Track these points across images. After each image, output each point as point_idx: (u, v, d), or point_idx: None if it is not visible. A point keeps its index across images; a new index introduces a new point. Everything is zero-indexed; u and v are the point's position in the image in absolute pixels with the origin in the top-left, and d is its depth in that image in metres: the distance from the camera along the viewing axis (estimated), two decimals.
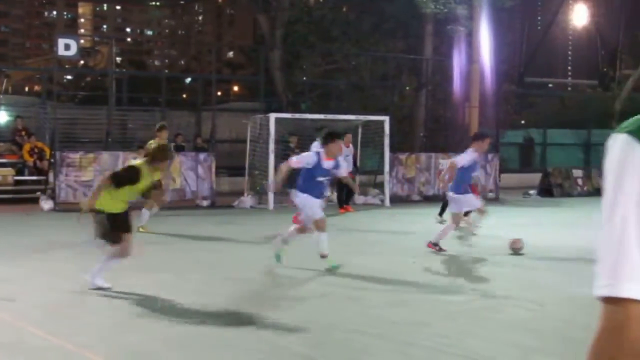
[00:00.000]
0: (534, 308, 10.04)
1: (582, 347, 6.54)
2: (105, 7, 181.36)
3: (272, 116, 24.56)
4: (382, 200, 25.75)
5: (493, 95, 33.67)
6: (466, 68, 32.02)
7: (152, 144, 17.24)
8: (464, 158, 14.87)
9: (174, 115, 31.51)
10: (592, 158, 36.06)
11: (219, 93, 47.02)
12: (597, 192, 30.97)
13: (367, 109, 31.72)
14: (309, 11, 38.84)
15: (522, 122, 45.91)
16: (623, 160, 1.81)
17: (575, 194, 29.76)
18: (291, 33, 36.68)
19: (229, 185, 27.63)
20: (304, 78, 35.73)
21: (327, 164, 12.86)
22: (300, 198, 12.85)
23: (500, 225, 18.73)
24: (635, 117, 1.85)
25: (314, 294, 10.92)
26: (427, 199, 26.87)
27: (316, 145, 18.78)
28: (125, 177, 10.86)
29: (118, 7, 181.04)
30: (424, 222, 19.82)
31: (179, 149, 24.52)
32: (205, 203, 24.42)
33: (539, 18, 44.54)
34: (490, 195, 27.93)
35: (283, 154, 25.28)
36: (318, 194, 12.90)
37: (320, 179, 12.88)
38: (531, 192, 29.84)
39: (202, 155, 24.83)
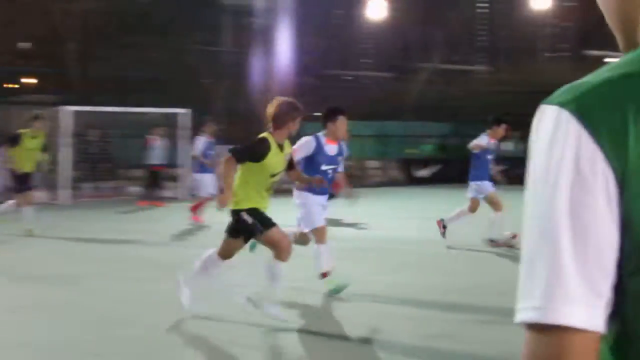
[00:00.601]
0: (330, 296, 10.19)
1: (379, 333, 6.60)
2: None
3: (66, 109, 23.99)
4: (184, 194, 25.60)
5: (292, 87, 33.92)
6: (265, 60, 32.19)
7: (27, 133, 16.47)
8: (479, 142, 14.85)
9: None
10: (387, 149, 36.85)
11: (14, 85, 45.42)
12: (391, 182, 31.85)
13: (167, 101, 31.36)
14: (106, 1, 38.02)
15: (320, 114, 46.43)
16: (552, 141, 1.36)
17: (370, 184, 30.47)
18: (87, 24, 35.82)
19: None
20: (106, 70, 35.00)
21: (331, 148, 10.61)
22: (300, 197, 10.42)
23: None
24: (569, 85, 1.40)
25: (92, 289, 10.73)
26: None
27: (201, 140, 18.72)
28: (250, 151, 8.79)
29: None
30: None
31: None
32: None
33: (339, 12, 45.19)
34: (289, 186, 28.21)
35: (81, 148, 24.84)
36: (320, 189, 10.36)
37: (325, 168, 10.46)
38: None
39: None
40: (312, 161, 10.42)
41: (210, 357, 7.91)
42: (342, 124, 10.64)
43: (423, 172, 34.98)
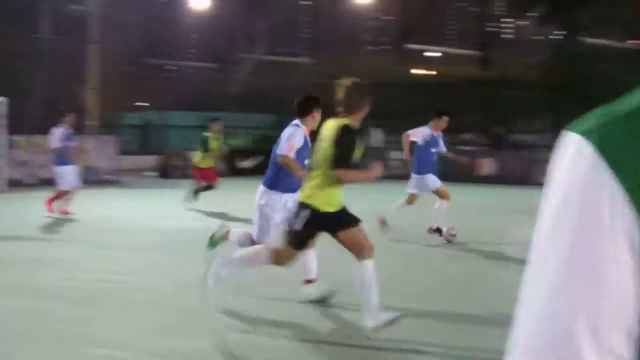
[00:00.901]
0: (154, 290, 10.04)
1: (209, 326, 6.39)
2: None
3: None
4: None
5: (113, 76, 33.41)
6: (85, 48, 31.52)
7: None
8: (416, 132, 14.49)
9: None
10: None
11: None
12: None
13: None
14: None
15: (143, 104, 46.02)
16: (570, 177, 1.14)
17: (191, 175, 30.35)
18: None
19: None
20: None
21: (308, 139, 9.48)
22: (270, 197, 9.25)
23: (138, 208, 18.73)
24: (600, 110, 1.16)
25: None
26: (46, 183, 26.15)
27: (59, 130, 17.88)
28: (350, 150, 7.63)
29: None
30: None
31: None
32: None
33: (162, 0, 44.83)
34: (109, 177, 27.84)
35: None
36: (297, 186, 8.86)
37: (307, 162, 9.06)
38: (146, 173, 30.37)
39: None
40: (298, 156, 9.22)
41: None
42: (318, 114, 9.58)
43: (246, 164, 34.94)
